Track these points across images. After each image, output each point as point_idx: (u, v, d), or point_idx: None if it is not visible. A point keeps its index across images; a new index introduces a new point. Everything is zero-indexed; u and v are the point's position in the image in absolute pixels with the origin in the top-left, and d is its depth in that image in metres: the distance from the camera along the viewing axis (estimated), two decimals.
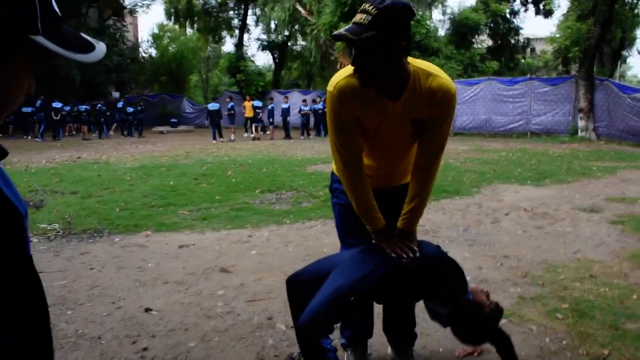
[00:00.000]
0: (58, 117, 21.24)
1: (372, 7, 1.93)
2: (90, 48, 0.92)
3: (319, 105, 22.61)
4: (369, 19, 1.93)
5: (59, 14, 0.86)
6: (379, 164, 2.40)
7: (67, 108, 22.25)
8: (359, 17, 1.96)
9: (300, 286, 2.32)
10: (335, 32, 2.01)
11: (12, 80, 0.83)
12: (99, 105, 23.71)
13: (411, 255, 2.17)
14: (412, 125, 2.23)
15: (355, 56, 2.02)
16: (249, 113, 22.59)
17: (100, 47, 0.94)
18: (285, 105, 22.89)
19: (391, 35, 1.97)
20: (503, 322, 3.18)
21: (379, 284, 2.17)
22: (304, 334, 2.10)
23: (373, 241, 2.36)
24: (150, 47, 40.48)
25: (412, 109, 2.15)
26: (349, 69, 2.16)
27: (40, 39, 0.80)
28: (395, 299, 2.44)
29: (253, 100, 23.18)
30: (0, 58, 0.79)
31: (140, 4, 32.94)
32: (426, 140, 2.26)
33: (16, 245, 0.81)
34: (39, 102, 21.10)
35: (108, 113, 23.48)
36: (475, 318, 2.38)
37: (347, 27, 1.99)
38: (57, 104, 21.09)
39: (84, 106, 22.88)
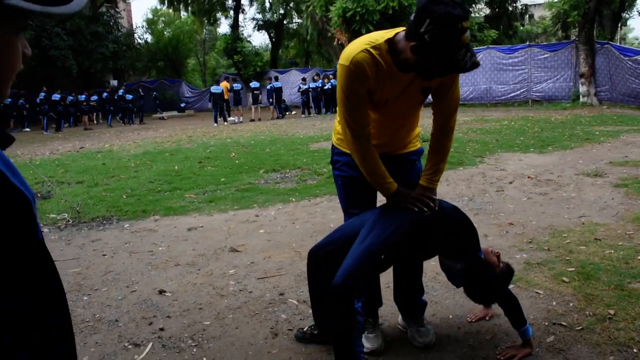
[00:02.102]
0: (60, 109, 21.34)
1: None
2: None
3: (318, 83, 22.56)
4: None
5: None
6: (382, 132, 2.45)
7: (71, 98, 22.32)
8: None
9: (325, 256, 2.38)
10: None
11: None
12: (105, 94, 23.76)
13: (432, 205, 2.30)
14: (422, 95, 2.33)
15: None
16: (225, 95, 21.30)
17: None
18: (277, 84, 22.68)
19: None
20: (510, 287, 3.25)
21: (404, 239, 2.26)
22: (340, 294, 2.15)
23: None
24: (146, 32, 40.24)
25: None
26: (361, 42, 2.19)
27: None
28: (414, 254, 2.51)
29: (229, 80, 22.62)
30: None
31: None
32: (441, 102, 2.37)
33: (26, 230, 0.81)
34: (42, 94, 21.13)
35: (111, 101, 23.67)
36: (487, 276, 2.45)
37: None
38: (56, 96, 21.14)
39: (83, 96, 22.89)
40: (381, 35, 2.19)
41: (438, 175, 2.44)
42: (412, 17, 2.02)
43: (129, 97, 24.00)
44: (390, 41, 2.15)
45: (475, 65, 2.00)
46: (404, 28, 2.17)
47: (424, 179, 2.42)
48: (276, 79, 23.72)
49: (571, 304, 2.99)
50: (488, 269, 2.48)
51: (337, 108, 2.36)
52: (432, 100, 2.42)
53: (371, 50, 2.14)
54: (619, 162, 7.51)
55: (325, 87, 22.56)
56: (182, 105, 30.67)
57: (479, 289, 2.51)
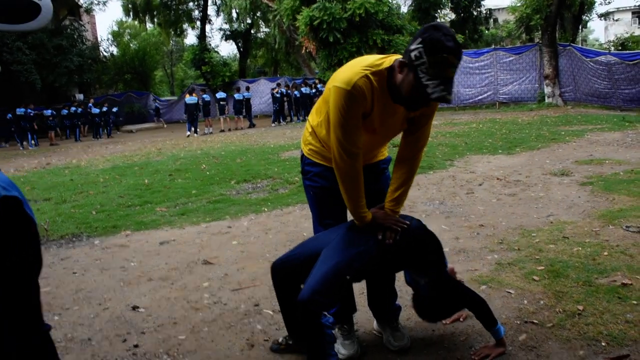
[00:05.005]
0: (28, 124, 21.00)
1: None
2: (36, 11, 0.81)
3: (282, 90, 22.85)
4: None
5: None
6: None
7: (30, 111, 21.87)
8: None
9: (288, 271, 2.41)
10: None
11: None
12: (73, 108, 23.49)
13: (400, 230, 2.33)
14: (406, 123, 2.38)
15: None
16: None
17: (45, 4, 0.83)
18: (247, 94, 22.79)
19: None
20: (482, 287, 3.30)
21: (373, 261, 2.27)
22: (307, 310, 2.15)
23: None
24: (111, 45, 39.82)
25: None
26: (360, 66, 2.20)
27: None
28: (380, 271, 2.53)
29: (193, 93, 22.39)
30: None
31: (97, 2, 32.15)
32: (414, 133, 2.41)
33: (37, 249, 0.93)
34: (21, 109, 20.70)
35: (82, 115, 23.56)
36: (451, 290, 2.49)
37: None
38: (20, 110, 20.72)
39: (49, 111, 22.50)
40: (380, 61, 2.21)
41: (402, 205, 2.47)
42: None
43: (96, 110, 23.71)
44: (390, 69, 2.18)
45: (444, 99, 2.02)
46: None
47: (390, 207, 2.43)
48: (247, 89, 23.74)
49: (542, 302, 3.05)
50: (454, 283, 2.53)
51: (331, 130, 2.29)
52: (405, 132, 2.45)
53: (371, 76, 2.16)
54: (584, 160, 7.69)
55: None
56: (156, 105, 30.83)
57: (440, 304, 2.51)
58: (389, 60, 2.21)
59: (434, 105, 2.34)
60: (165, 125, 28.54)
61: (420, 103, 2.16)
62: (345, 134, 2.23)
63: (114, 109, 25.74)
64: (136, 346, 2.93)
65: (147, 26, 38.86)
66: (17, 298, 0.97)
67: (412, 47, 2.03)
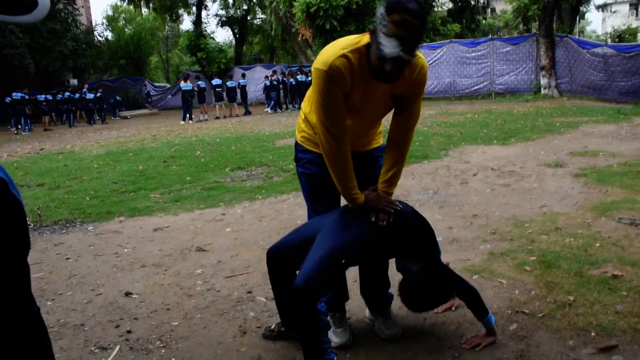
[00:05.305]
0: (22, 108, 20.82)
1: None
2: (33, 4, 0.84)
3: (280, 78, 22.75)
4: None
5: None
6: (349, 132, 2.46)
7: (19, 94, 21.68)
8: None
9: (283, 257, 2.41)
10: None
11: None
12: (68, 93, 23.35)
13: (393, 212, 2.32)
14: (391, 101, 2.36)
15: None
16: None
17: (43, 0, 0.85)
18: (243, 81, 22.74)
19: None
20: (475, 277, 3.32)
21: (366, 246, 2.28)
22: (302, 296, 2.16)
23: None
24: (106, 30, 39.45)
25: (395, 86, 2.25)
26: (337, 47, 2.18)
27: None
28: (373, 256, 2.54)
29: (187, 80, 22.22)
30: None
31: None
32: (402, 114, 2.39)
33: (24, 230, 0.95)
34: (18, 93, 20.49)
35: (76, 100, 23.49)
36: (444, 278, 2.50)
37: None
38: (17, 95, 20.53)
39: (42, 95, 22.33)
40: (358, 39, 2.20)
41: (394, 187, 2.48)
42: None
43: (90, 96, 23.57)
44: (368, 46, 2.16)
45: (399, 59, 1.98)
46: None
47: (383, 188, 2.44)
48: (243, 76, 23.66)
49: (533, 292, 3.07)
50: (446, 271, 2.54)
51: (315, 112, 2.31)
52: (394, 112, 2.44)
53: (349, 54, 2.15)
54: (578, 152, 7.72)
55: (291, 81, 22.63)
56: (147, 90, 30.79)
57: (430, 291, 2.52)
58: (366, 37, 2.19)
59: (420, 82, 2.31)
60: (157, 111, 28.44)
61: (390, 72, 2.08)
62: (327, 116, 2.23)
63: (117, 97, 25.84)
64: (129, 332, 2.93)
65: (143, 11, 38.44)
66: (6, 278, 0.97)
67: (378, 12, 2.04)
